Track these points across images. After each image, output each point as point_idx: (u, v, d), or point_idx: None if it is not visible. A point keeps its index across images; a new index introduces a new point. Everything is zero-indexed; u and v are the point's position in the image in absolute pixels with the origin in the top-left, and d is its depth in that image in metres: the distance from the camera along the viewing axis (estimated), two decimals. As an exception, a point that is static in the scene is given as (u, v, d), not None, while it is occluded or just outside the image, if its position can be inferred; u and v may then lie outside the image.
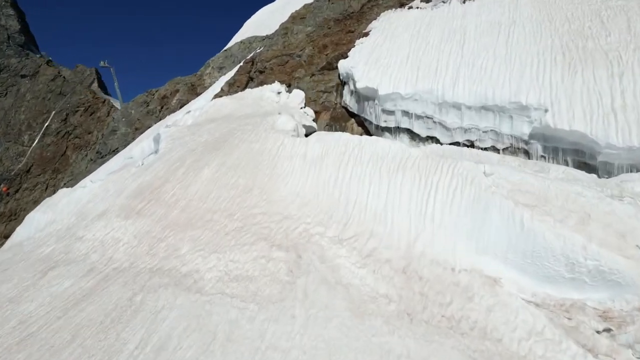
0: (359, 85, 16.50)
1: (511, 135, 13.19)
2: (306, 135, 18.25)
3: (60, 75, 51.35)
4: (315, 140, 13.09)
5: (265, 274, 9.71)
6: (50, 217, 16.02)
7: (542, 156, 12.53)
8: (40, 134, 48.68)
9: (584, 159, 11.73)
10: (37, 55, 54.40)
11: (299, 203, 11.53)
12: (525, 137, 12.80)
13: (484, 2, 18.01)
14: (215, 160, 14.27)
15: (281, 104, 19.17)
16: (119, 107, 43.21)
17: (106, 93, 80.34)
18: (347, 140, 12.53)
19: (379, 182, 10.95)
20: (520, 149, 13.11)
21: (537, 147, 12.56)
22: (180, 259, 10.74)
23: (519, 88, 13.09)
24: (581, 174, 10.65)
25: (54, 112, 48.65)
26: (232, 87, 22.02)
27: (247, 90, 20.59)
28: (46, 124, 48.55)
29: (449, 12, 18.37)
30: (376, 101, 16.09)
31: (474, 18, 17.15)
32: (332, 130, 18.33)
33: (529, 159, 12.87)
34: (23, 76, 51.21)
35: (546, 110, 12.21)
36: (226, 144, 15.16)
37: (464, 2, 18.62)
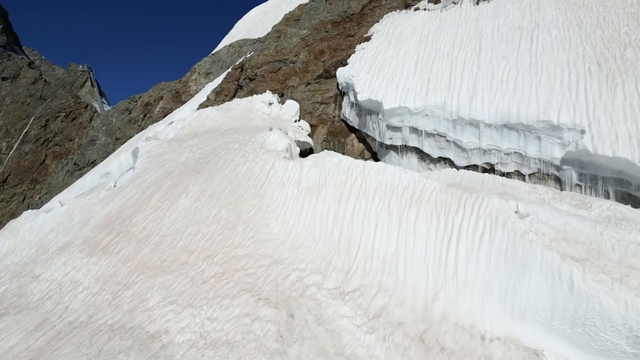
0: (360, 98, 14.85)
1: (539, 159, 11.56)
2: (301, 155, 16.59)
3: (42, 78, 49.47)
4: (312, 165, 11.41)
5: (249, 339, 8.02)
6: (11, 244, 14.40)
7: (577, 185, 10.91)
8: (19, 141, 46.74)
9: (629, 190, 10.12)
10: (20, 57, 52.52)
11: (292, 244, 9.84)
12: (557, 162, 11.17)
13: (500, 3, 16.43)
14: (194, 186, 12.56)
15: (273, 116, 17.49)
16: (101, 111, 41.38)
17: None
18: (348, 166, 10.86)
19: (388, 220, 9.28)
20: (550, 176, 11.49)
21: (571, 174, 10.93)
22: (147, 314, 9.04)
23: (548, 104, 11.47)
24: (634, 213, 9.01)
25: (33, 117, 46.72)
26: (219, 96, 20.33)
27: (235, 101, 18.90)
28: (25, 130, 46.60)
29: (460, 14, 16.77)
30: (380, 116, 14.43)
31: (490, 21, 15.56)
32: (330, 147, 16.68)
33: (561, 187, 11.26)
34: (4, 78, 49.33)
35: (583, 132, 10.58)
36: (208, 166, 13.46)
37: (477, 3, 17.04)
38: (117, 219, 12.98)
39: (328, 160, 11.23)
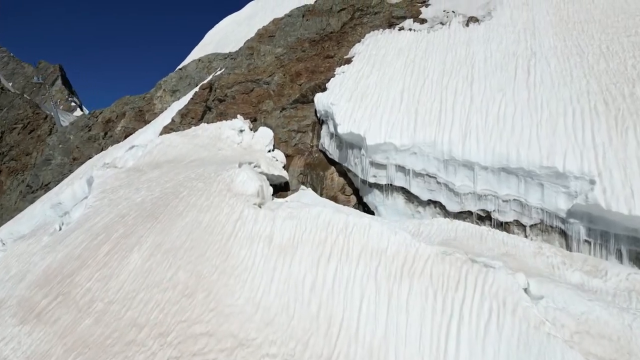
0: (341, 130, 13.59)
1: (541, 209, 10.49)
2: (276, 189, 15.22)
3: (-4, 86, 46.71)
4: (286, 217, 10.04)
5: None
6: None
7: (585, 241, 9.85)
8: (-30, 154, 43.84)
9: (646, 251, 9.08)
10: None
11: (261, 319, 8.42)
12: (562, 214, 10.10)
13: (492, 25, 15.48)
14: (149, 238, 11.03)
15: (244, 146, 16.06)
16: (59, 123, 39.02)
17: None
18: (328, 221, 9.53)
19: (376, 294, 7.99)
20: (554, 228, 10.41)
21: (578, 229, 9.87)
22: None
23: (551, 148, 10.42)
24: (655, 284, 7.96)
25: (-14, 129, 43.90)
26: (185, 119, 18.78)
27: (202, 126, 17.39)
28: (-23, 144, 43.73)
29: (449, 36, 15.74)
30: (363, 151, 13.20)
31: (481, 46, 14.55)
32: (307, 181, 15.35)
33: (567, 243, 10.19)
34: (-46, 87, 46.44)
35: (592, 182, 9.53)
36: (167, 211, 11.94)
37: (467, 25, 16.06)
38: (57, 275, 11.33)
39: (305, 212, 9.88)
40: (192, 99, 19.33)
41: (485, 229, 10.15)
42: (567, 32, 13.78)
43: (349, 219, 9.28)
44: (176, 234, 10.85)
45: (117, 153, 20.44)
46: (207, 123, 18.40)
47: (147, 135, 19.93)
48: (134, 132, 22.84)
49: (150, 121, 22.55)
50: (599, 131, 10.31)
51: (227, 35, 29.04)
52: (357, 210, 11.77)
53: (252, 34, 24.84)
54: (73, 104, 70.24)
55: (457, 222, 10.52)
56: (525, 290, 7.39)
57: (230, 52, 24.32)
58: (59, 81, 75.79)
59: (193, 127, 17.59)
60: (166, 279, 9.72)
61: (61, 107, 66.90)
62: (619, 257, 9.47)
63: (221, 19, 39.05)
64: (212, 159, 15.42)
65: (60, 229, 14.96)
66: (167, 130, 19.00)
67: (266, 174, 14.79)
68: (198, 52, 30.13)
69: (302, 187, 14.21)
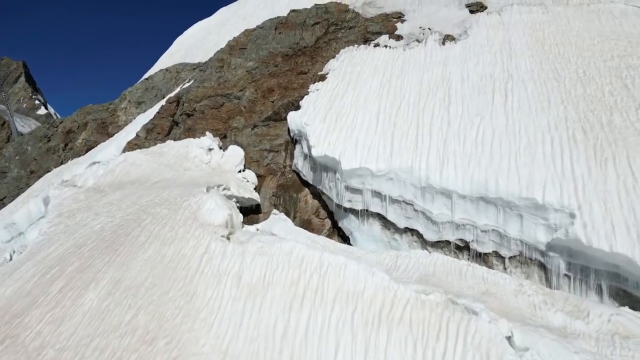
0: (315, 153, 13.14)
1: (521, 241, 10.30)
2: (246, 211, 14.64)
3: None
4: (256, 253, 9.49)
5: None
6: None
7: (565, 275, 9.69)
8: None
9: (626, 287, 9.00)
10: None
11: (228, 370, 7.84)
12: (541, 247, 9.93)
13: (468, 45, 15.36)
14: (107, 274, 10.27)
15: (212, 165, 15.40)
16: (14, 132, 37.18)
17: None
18: (302, 258, 9.03)
19: (352, 343, 7.54)
20: (533, 261, 10.24)
21: (558, 263, 9.71)
22: None
23: (530, 178, 10.25)
24: (638, 325, 7.80)
25: (-64, 136, 41.45)
26: (151, 134, 17.96)
27: (169, 143, 16.63)
28: None
29: (425, 55, 15.54)
30: (338, 175, 12.78)
31: (458, 67, 14.39)
32: (280, 203, 14.83)
33: (546, 276, 10.03)
34: None
35: (572, 216, 9.38)
36: (127, 242, 11.20)
37: (443, 43, 15.90)
38: (5, 315, 10.41)
39: (277, 247, 9.35)
40: (158, 112, 18.51)
41: (464, 263, 9.85)
42: (544, 55, 13.75)
43: (323, 256, 8.81)
44: (137, 270, 10.13)
45: (76, 169, 19.40)
46: (174, 139, 17.64)
47: (110, 151, 18.99)
48: (96, 145, 21.79)
49: (114, 134, 21.56)
50: (578, 161, 10.20)
51: (196, 43, 28.16)
52: (333, 242, 11.34)
53: (223, 43, 24.18)
54: (37, 102, 67.26)
55: (435, 255, 10.19)
56: (509, 339, 7.09)
57: (199, 63, 23.54)
58: (22, 78, 72.66)
59: (159, 144, 16.80)
60: (125, 322, 9.01)
61: (25, 105, 64.11)
62: (599, 292, 9.35)
63: (191, 24, 38.14)
64: (178, 180, 14.70)
65: (10, 258, 13.96)
66: (131, 146, 18.12)
67: (236, 197, 14.20)
68: (166, 59, 29.13)
69: (274, 211, 13.67)
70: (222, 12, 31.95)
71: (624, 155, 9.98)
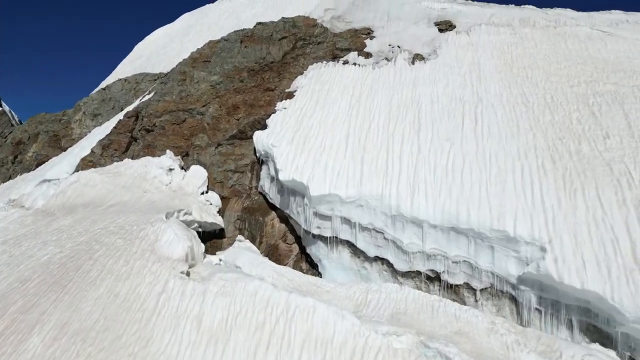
0: (282, 177, 12.73)
1: (492, 273, 10.22)
2: (209, 236, 14.05)
3: None
4: (218, 293, 8.98)
5: None
6: None
7: (536, 309, 9.65)
8: None
9: (596, 323, 9.02)
10: None
11: None
12: (513, 280, 9.87)
13: (437, 65, 15.35)
14: (54, 315, 9.50)
15: (173, 187, 14.72)
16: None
17: None
18: (267, 300, 8.59)
19: (319, 396, 7.14)
20: (504, 294, 10.17)
21: (529, 297, 9.67)
22: None
23: (501, 208, 10.19)
24: (610, 368, 7.77)
25: None
26: (107, 151, 17.08)
27: (126, 162, 15.83)
28: None
29: (395, 75, 15.43)
30: (306, 201, 12.41)
31: (428, 88, 14.33)
32: (245, 228, 14.32)
33: (517, 310, 9.98)
34: None
35: (543, 249, 9.35)
36: (77, 277, 10.44)
37: (412, 63, 15.85)
38: None
39: (240, 287, 8.88)
40: (115, 127, 17.63)
41: (435, 299, 9.65)
42: (512, 78, 13.87)
43: (290, 298, 8.40)
44: (87, 310, 9.41)
45: (25, 187, 18.22)
46: (133, 157, 16.84)
47: (62, 168, 17.93)
48: (47, 160, 20.59)
49: (67, 148, 20.44)
50: (547, 192, 10.22)
51: (158, 51, 27.20)
52: (300, 275, 10.90)
53: (186, 53, 23.44)
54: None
55: (406, 290, 9.95)
56: (483, 389, 6.88)
57: (161, 73, 22.69)
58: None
59: (115, 163, 15.98)
60: (72, 373, 8.31)
61: None
62: (570, 327, 9.35)
63: (152, 29, 36.95)
64: (135, 203, 13.96)
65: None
66: (85, 163, 17.17)
67: (198, 222, 13.59)
68: (125, 66, 27.98)
69: (239, 237, 13.16)
70: (185, 19, 31.04)
71: (592, 186, 10.06)
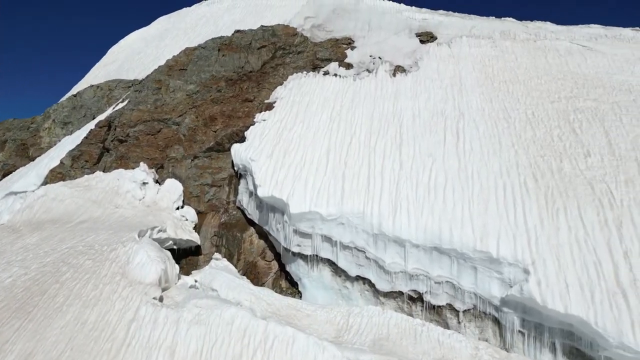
0: (261, 193, 12.43)
1: (475, 294, 10.12)
2: (184, 253, 13.64)
3: None
4: (192, 321, 8.62)
5: None
6: None
7: (519, 331, 9.58)
8: None
9: (579, 346, 8.98)
10: None
11: None
12: (496, 302, 9.78)
13: (419, 78, 15.29)
14: (17, 345, 8.99)
15: (147, 202, 14.24)
16: None
17: None
18: (244, 330, 8.28)
19: None
20: (487, 315, 10.08)
21: (512, 319, 9.59)
22: None
23: (484, 229, 10.11)
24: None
25: None
26: (77, 162, 16.47)
27: (97, 175, 15.28)
28: None
29: (376, 87, 15.30)
30: (286, 217, 12.13)
31: (409, 102, 14.24)
32: (222, 244, 13.96)
33: (500, 332, 9.89)
34: None
35: (526, 271, 9.29)
36: (43, 302, 9.92)
37: (394, 75, 15.76)
38: None
39: (216, 315, 8.54)
40: (86, 138, 17.02)
41: (418, 323, 9.51)
42: (494, 93, 13.88)
43: (269, 328, 8.11)
44: (52, 340, 8.94)
45: (-11, 200, 17.42)
46: (105, 169, 16.28)
47: (30, 180, 17.22)
48: (15, 170, 19.78)
49: (36, 158, 19.68)
50: (530, 212, 10.18)
51: (133, 56, 26.51)
52: (279, 298, 10.60)
53: (162, 58, 22.93)
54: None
55: (389, 313, 9.78)
56: None
57: (135, 80, 22.07)
58: None
59: (86, 176, 15.39)
60: (34, 410, 7.84)
61: None
62: (553, 350, 9.30)
63: (127, 32, 36.08)
64: (106, 220, 13.44)
65: None
66: (54, 175, 16.52)
67: (173, 239, 13.17)
68: (99, 71, 27.17)
69: (216, 255, 12.79)
70: (161, 22, 30.35)
71: (574, 206, 10.06)
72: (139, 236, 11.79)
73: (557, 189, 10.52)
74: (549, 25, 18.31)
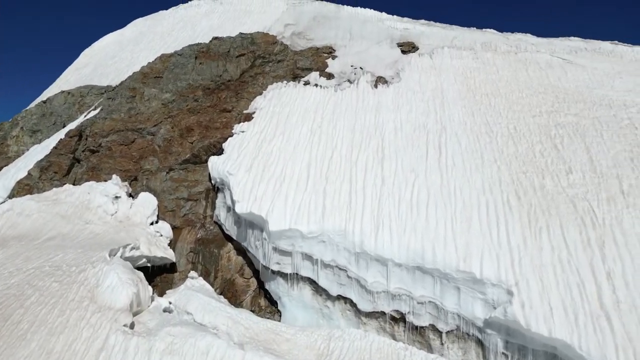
0: (239, 209, 12.12)
1: (458, 315, 10.01)
2: (159, 270, 13.21)
3: None
4: (164, 351, 8.28)
5: None
6: None
7: (503, 353, 9.49)
8: None
9: (563, 368, 8.89)
10: None
11: None
12: (479, 323, 9.68)
13: (401, 90, 15.22)
14: (-25, 378, 8.47)
15: (119, 218, 13.76)
16: None
17: None
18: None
19: None
20: (471, 337, 9.97)
21: (496, 341, 9.50)
22: None
23: (468, 248, 10.03)
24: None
25: None
26: (46, 174, 15.87)
27: (67, 188, 14.72)
28: None
29: (357, 98, 15.16)
30: (265, 235, 11.84)
31: (391, 114, 14.14)
32: (198, 261, 13.59)
33: (483, 354, 9.79)
34: None
35: (509, 293, 9.22)
36: (6, 330, 9.42)
37: (375, 86, 15.66)
38: None
39: (190, 345, 8.21)
40: (55, 148, 16.41)
41: (401, 347, 9.35)
42: (475, 106, 13.88)
43: (246, 358, 7.81)
44: (15, 371, 8.46)
45: (-49, 214, 16.61)
46: (75, 181, 15.72)
47: (-5, 191, 16.50)
48: (-21, 180, 18.94)
49: (2, 168, 18.90)
50: (513, 230, 10.14)
51: (107, 60, 25.78)
52: (257, 320, 10.27)
53: (137, 64, 22.35)
54: None
55: (371, 337, 9.59)
56: None
57: (108, 87, 21.44)
58: None
59: (55, 189, 14.81)
60: None
61: None
62: (537, 373, 9.22)
63: (102, 34, 35.23)
64: (76, 237, 12.92)
65: None
66: (21, 187, 15.87)
67: (147, 257, 12.74)
68: (71, 74, 26.36)
69: (191, 274, 12.38)
70: (137, 25, 29.65)
71: (557, 225, 10.05)
72: (109, 255, 11.34)
73: (539, 206, 10.51)
74: (529, 38, 18.50)
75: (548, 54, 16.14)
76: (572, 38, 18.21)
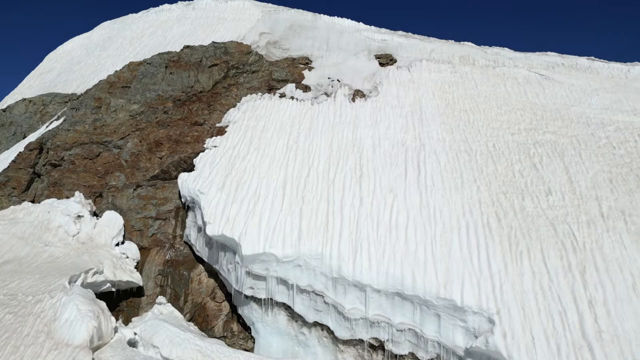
0: (210, 232, 11.65)
1: (438, 343, 9.79)
2: (125, 293, 12.58)
3: None
4: (128, 392, 7.72)
5: None
6: None
7: (485, 383, 9.29)
8: None
9: (546, 399, 8.74)
10: None
11: None
12: (460, 352, 9.49)
13: (379, 104, 15.03)
14: None
15: (82, 239, 13.08)
16: None
17: None
18: (187, 402, 7.48)
19: None
20: (452, 365, 9.74)
21: (477, 371, 9.28)
22: None
23: (448, 274, 9.84)
24: None
25: None
26: (3, 190, 15.02)
27: (26, 206, 13.93)
28: None
29: (335, 113, 14.88)
30: (238, 258, 11.40)
31: (369, 130, 13.91)
32: (167, 284, 13.04)
33: (466, 383, 9.56)
34: None
35: (491, 321, 9.06)
36: (-49, 369, 8.68)
37: (353, 100, 15.40)
38: None
39: (155, 385, 7.70)
40: (14, 162, 15.56)
41: (381, 378, 9.04)
42: (454, 122, 13.78)
43: (215, 400, 7.37)
44: (-41, 420, 7.80)
45: None
46: (35, 197, 14.95)
47: (-54, 208, 15.51)
48: None
49: (-45, 181, 17.83)
50: (494, 255, 10.01)
51: (72, 66, 24.75)
52: (228, 351, 9.83)
53: (104, 71, 21.59)
54: None
55: (349, 368, 9.24)
56: None
57: (73, 94, 20.57)
58: None
59: (12, 207, 13.99)
60: None
61: None
62: (519, 403, 9.05)
63: (68, 37, 33.99)
64: (34, 260, 12.20)
65: None
66: (-25, 204, 14.95)
67: (112, 281, 12.12)
68: (33, 80, 25.19)
69: (159, 299, 11.85)
70: (105, 28, 28.58)
71: (538, 249, 9.97)
72: (69, 282, 10.71)
73: (520, 229, 10.42)
74: (507, 52, 18.61)
75: (526, 69, 16.23)
76: (549, 53, 18.40)
